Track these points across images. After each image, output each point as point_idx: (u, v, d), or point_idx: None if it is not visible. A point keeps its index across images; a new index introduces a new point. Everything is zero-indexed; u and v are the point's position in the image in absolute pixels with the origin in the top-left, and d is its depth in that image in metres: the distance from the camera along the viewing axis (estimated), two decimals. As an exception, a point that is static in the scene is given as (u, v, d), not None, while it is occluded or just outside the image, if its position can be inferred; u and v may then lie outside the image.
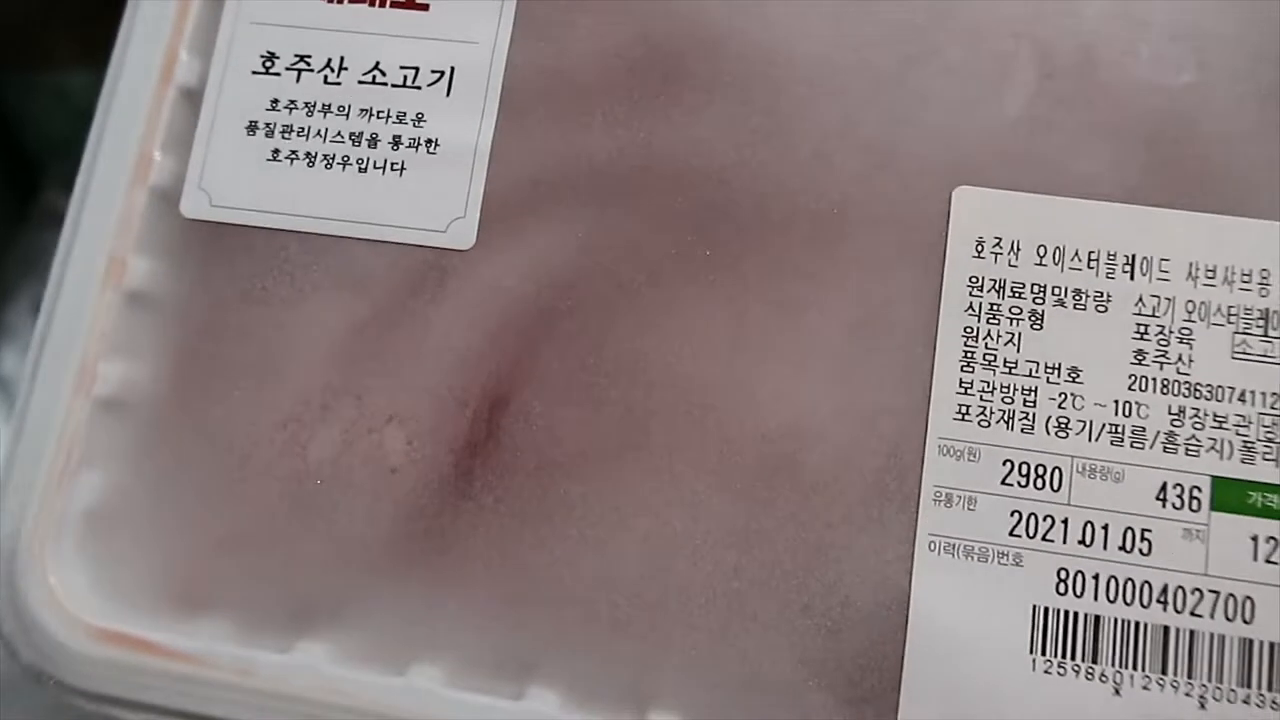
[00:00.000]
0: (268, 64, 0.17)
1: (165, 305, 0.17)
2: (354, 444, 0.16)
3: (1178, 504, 0.15)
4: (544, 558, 0.15)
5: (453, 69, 0.17)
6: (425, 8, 0.17)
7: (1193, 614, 0.14)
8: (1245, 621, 0.14)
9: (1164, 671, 0.14)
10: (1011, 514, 0.15)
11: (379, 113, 0.17)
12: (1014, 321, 0.15)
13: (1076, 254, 0.15)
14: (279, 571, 0.16)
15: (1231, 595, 0.14)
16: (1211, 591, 0.14)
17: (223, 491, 0.16)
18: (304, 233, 0.17)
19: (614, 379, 0.16)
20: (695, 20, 0.17)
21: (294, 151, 0.17)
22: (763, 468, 0.15)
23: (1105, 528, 0.15)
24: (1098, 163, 0.16)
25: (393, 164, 0.17)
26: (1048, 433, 0.15)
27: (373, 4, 0.17)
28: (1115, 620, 0.14)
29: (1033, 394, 0.15)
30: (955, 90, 0.16)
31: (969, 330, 0.15)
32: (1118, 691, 0.14)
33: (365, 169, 0.17)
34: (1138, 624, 0.14)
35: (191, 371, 0.17)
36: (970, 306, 0.15)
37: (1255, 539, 0.14)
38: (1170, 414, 0.15)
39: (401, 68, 0.17)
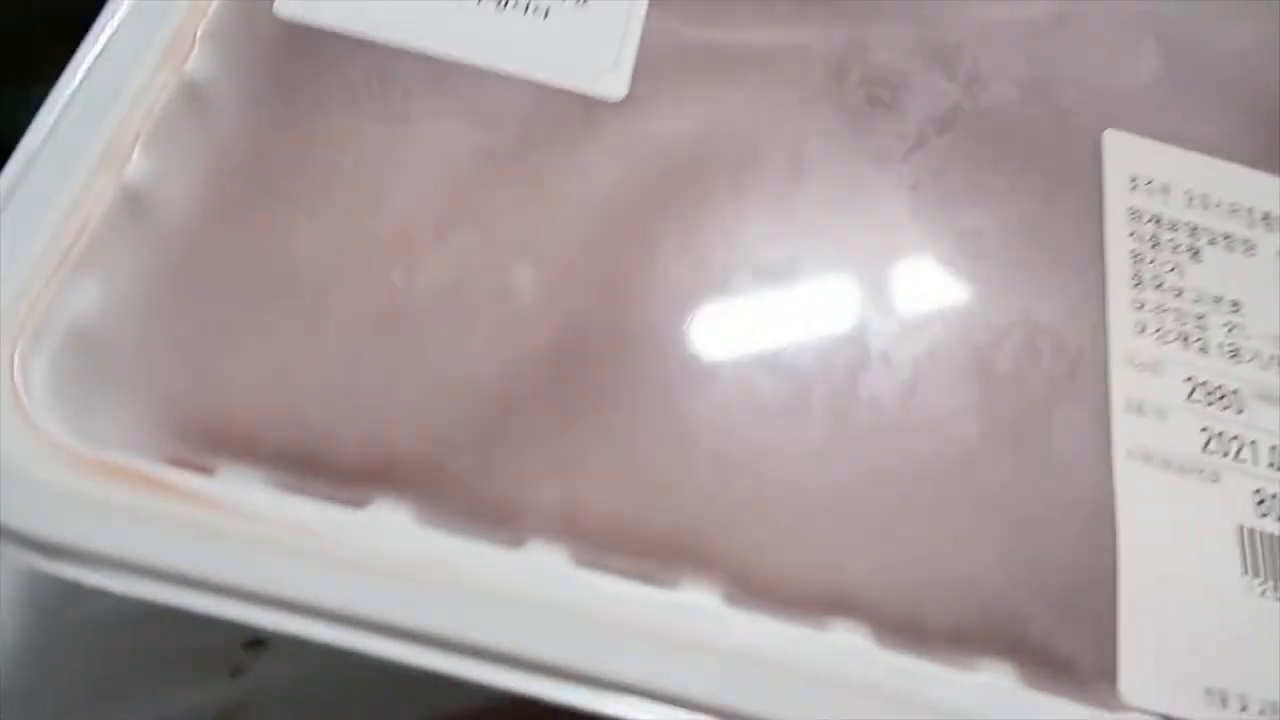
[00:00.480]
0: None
1: (232, 106, 0.14)
2: (476, 276, 0.13)
3: (1352, 436, 0.14)
4: (686, 429, 0.13)
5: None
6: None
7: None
8: None
9: (1375, 601, 0.13)
10: (1202, 430, 0.14)
11: (523, -41, 0.15)
12: (1174, 251, 0.15)
13: (1220, 203, 0.16)
14: (356, 411, 0.12)
15: None
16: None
17: (285, 314, 0.12)
18: (426, 54, 0.14)
19: (759, 241, 0.14)
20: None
21: (420, -23, 0.15)
22: (947, 361, 0.14)
23: (1292, 453, 0.14)
24: (1222, 131, 0.16)
25: (536, 8, 0.15)
26: (1223, 356, 0.14)
27: None
28: (1319, 546, 0.13)
29: (1202, 319, 0.15)
30: (1097, 49, 0.17)
31: (1135, 254, 0.15)
32: (1337, 619, 0.13)
33: (504, 4, 0.15)
34: (1341, 551, 0.13)
35: (259, 182, 0.13)
36: (1133, 233, 0.15)
37: None
38: (1326, 354, 0.15)
39: (551, -74, 0.16)
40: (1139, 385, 0.14)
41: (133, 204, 0.13)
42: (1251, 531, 0.13)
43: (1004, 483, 0.13)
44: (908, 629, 0.12)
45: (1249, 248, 0.15)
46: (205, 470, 0.11)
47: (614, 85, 0.15)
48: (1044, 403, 0.14)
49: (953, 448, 0.13)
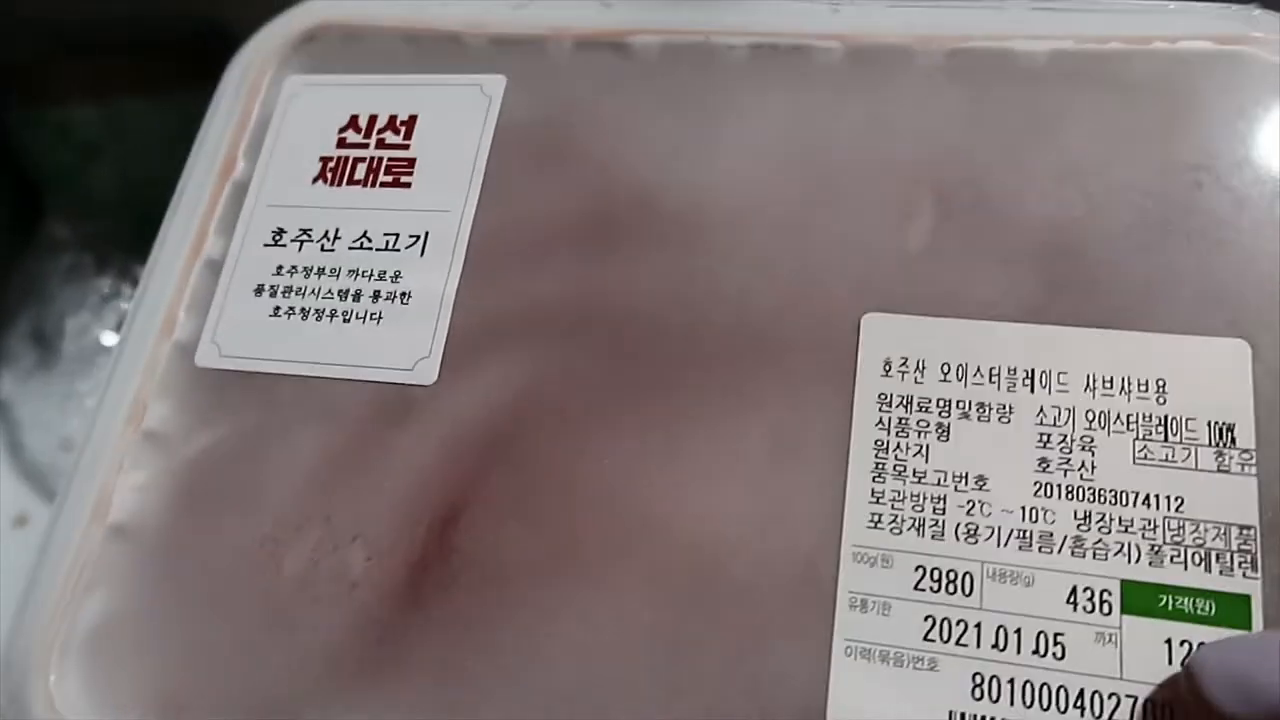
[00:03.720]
0: (277, 237, 0.20)
1: (172, 442, 0.19)
2: (320, 561, 0.17)
3: (1089, 607, 0.15)
4: (484, 666, 0.16)
5: (427, 233, 0.19)
6: (408, 185, 0.20)
7: None
8: (1167, 727, 0.14)
9: (1084, 779, 0.14)
10: (925, 619, 0.15)
11: (364, 272, 0.19)
12: (922, 434, 0.16)
13: (979, 370, 0.16)
14: (249, 680, 0.17)
15: (1151, 701, 0.14)
16: (1129, 696, 0.14)
17: (205, 608, 0.18)
18: (295, 375, 0.19)
19: (554, 497, 0.17)
20: (631, 185, 0.19)
21: (292, 308, 0.19)
22: (690, 577, 0.16)
23: (1018, 631, 0.15)
24: (996, 288, 0.17)
25: (372, 314, 0.19)
26: (958, 539, 0.16)
27: (365, 185, 0.20)
28: (1032, 726, 0.14)
29: (942, 502, 0.16)
30: (860, 230, 0.18)
31: (879, 443, 0.16)
32: (1037, 800, 0.14)
33: (349, 320, 0.19)
34: (1056, 730, 0.14)
35: (189, 500, 0.19)
36: (880, 421, 0.16)
37: (1169, 642, 0.14)
38: (1076, 519, 0.15)
39: (385, 234, 0.20)
40: (866, 581, 0.16)
41: (117, 537, 0.19)
42: (963, 715, 0.15)
43: (730, 693, 0.15)
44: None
45: (1005, 414, 0.16)
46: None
47: (427, 371, 0.18)
48: (774, 609, 0.16)
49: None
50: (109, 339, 0.36)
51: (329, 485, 0.18)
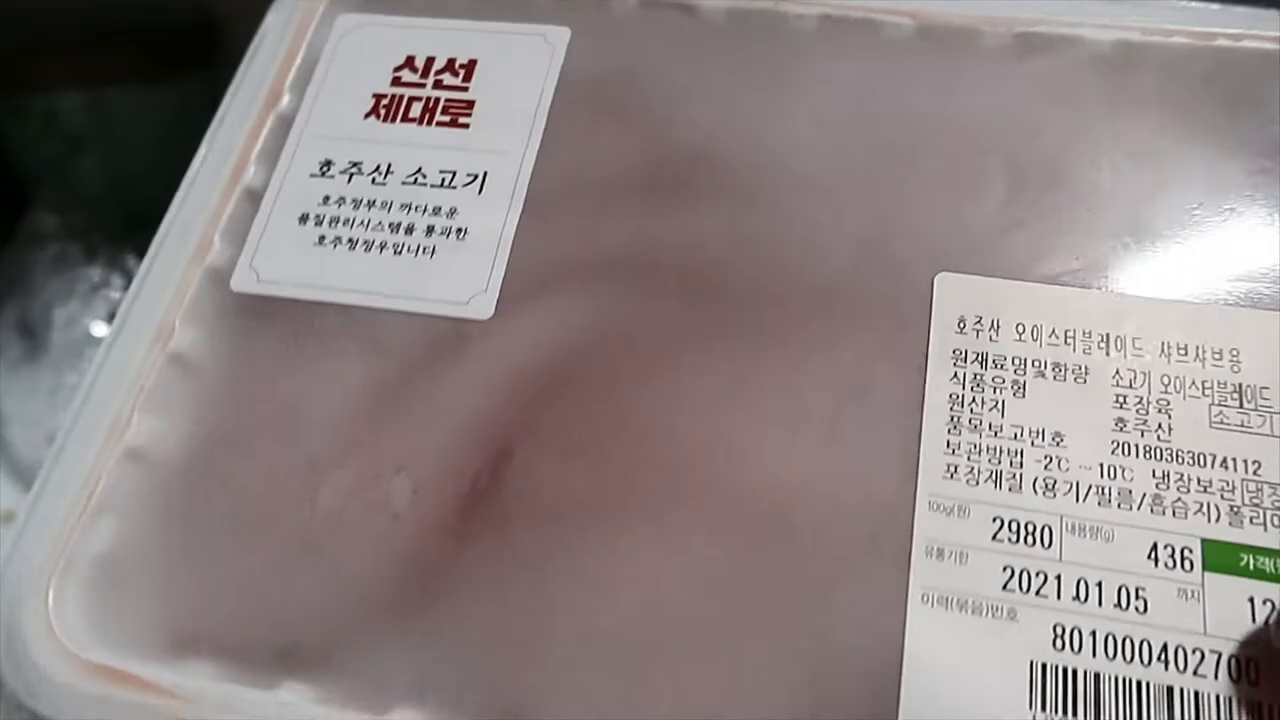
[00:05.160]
0: (324, 169, 0.20)
1: (201, 367, 0.18)
2: (361, 492, 0.16)
3: (1170, 564, 0.15)
4: (535, 603, 0.15)
5: (485, 173, 0.19)
6: (466, 126, 0.20)
7: (1196, 674, 0.14)
8: (1251, 684, 0.14)
9: (1171, 733, 0.14)
10: (1004, 569, 0.15)
11: (417, 207, 0.19)
12: (997, 389, 0.16)
13: (1054, 332, 0.16)
14: (276, 613, 0.16)
15: (1236, 657, 0.14)
16: (1213, 652, 0.14)
17: (229, 538, 0.17)
18: (340, 304, 0.18)
19: (614, 438, 0.16)
20: (695, 142, 0.19)
21: (338, 238, 0.19)
22: (756, 522, 0.16)
23: (1099, 585, 0.15)
24: (1067, 258, 0.17)
25: (425, 248, 0.18)
26: (1036, 493, 0.15)
27: (420, 123, 0.20)
28: (1116, 678, 0.14)
29: (1019, 456, 0.16)
30: (932, 196, 0.18)
31: (954, 397, 0.16)
32: (1124, 753, 0.14)
33: (400, 252, 0.18)
34: (1140, 683, 0.14)
35: (217, 426, 0.18)
36: (955, 376, 0.16)
37: (1251, 600, 0.14)
38: (1154, 478, 0.15)
39: (441, 171, 0.19)
40: (942, 530, 0.15)
41: (134, 458, 0.17)
42: (1044, 666, 0.14)
43: (800, 638, 0.15)
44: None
45: (1080, 375, 0.16)
46: (176, 664, 0.16)
47: (483, 307, 0.18)
48: (846, 555, 0.15)
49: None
50: (99, 329, 0.35)
51: (373, 416, 0.17)
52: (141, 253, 0.30)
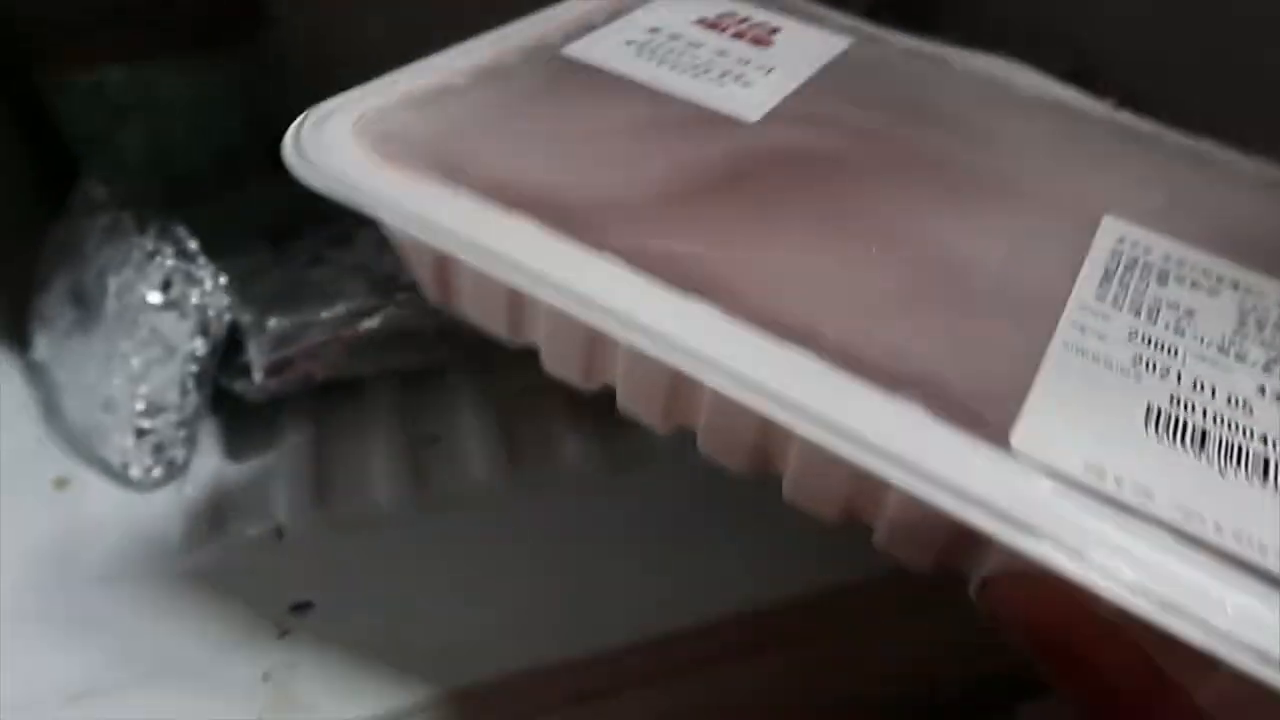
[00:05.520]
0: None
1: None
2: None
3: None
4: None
5: (775, 68, 0.25)
6: (769, 44, 0.26)
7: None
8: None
9: None
10: (1136, 356, 0.17)
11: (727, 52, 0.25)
12: (1144, 274, 0.19)
13: (1193, 265, 0.20)
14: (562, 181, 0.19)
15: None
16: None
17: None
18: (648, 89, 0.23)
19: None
20: None
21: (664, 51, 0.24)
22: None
23: (1213, 388, 0.17)
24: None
25: (737, 76, 0.24)
26: (1170, 329, 0.18)
27: (724, 33, 0.26)
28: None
29: (1158, 306, 0.19)
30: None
31: (1109, 267, 0.20)
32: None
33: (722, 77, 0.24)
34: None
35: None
36: (1114, 253, 0.20)
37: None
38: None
39: (740, 60, 0.25)
40: (1088, 319, 0.18)
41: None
42: (1160, 411, 0.16)
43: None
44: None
45: (1213, 290, 0.19)
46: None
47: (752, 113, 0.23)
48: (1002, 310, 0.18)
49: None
50: (154, 297, 0.33)
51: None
52: (187, 221, 0.33)
